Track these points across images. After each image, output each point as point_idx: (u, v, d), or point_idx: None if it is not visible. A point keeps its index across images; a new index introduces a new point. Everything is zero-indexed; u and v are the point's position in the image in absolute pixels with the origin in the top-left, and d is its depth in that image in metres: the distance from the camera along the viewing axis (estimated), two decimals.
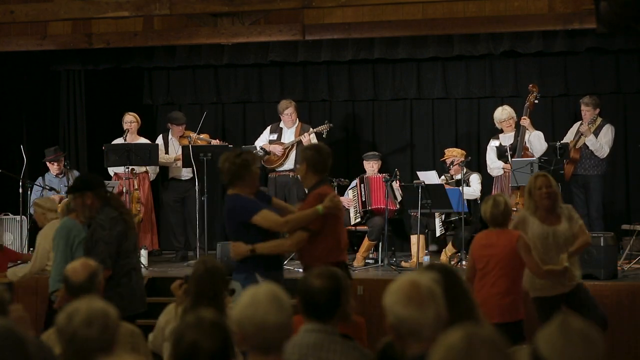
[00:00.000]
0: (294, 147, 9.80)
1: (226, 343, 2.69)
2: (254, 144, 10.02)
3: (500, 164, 9.07)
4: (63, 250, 5.85)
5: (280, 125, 9.94)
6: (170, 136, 10.13)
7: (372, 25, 8.53)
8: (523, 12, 8.22)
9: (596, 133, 9.33)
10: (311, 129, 9.79)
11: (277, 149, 9.74)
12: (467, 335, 2.23)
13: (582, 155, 9.36)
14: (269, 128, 10.04)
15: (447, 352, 2.22)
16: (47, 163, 9.90)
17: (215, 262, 4.60)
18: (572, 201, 9.57)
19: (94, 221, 5.65)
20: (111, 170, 9.97)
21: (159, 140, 10.17)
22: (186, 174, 9.88)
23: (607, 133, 9.35)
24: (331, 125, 9.94)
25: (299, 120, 9.98)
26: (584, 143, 9.34)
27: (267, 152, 9.73)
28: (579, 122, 9.55)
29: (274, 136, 9.88)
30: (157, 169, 10.00)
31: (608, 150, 9.34)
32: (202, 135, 10.06)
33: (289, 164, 9.80)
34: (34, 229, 9.82)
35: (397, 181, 9.40)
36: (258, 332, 2.86)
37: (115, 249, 5.58)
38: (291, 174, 9.78)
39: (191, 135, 9.96)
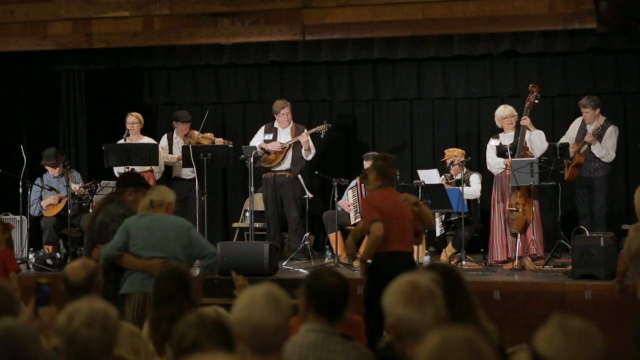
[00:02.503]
0: (291, 148, 9.80)
1: (228, 343, 2.69)
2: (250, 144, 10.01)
3: (501, 160, 9.06)
4: None
5: (275, 126, 9.92)
6: (175, 135, 10.12)
7: (372, 25, 8.53)
8: (523, 12, 8.21)
9: (600, 134, 9.27)
10: (305, 130, 9.79)
11: (275, 146, 9.74)
12: (443, 337, 2.24)
13: (587, 158, 9.30)
14: (263, 128, 10.02)
15: (425, 355, 2.23)
16: (47, 167, 9.87)
17: (174, 266, 4.60)
18: (574, 201, 9.58)
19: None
20: (116, 171, 9.95)
21: (164, 139, 10.17)
22: (190, 173, 9.84)
23: (612, 136, 9.29)
24: (329, 125, 9.94)
25: (293, 121, 9.97)
26: (590, 149, 9.30)
27: (267, 152, 9.73)
28: (579, 119, 9.51)
29: (269, 136, 9.87)
30: (162, 167, 10.00)
31: (614, 155, 9.28)
32: (206, 134, 10.05)
33: (286, 164, 9.79)
34: (34, 229, 9.86)
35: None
36: (254, 333, 2.85)
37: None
38: (287, 174, 9.77)
39: (194, 134, 9.95)
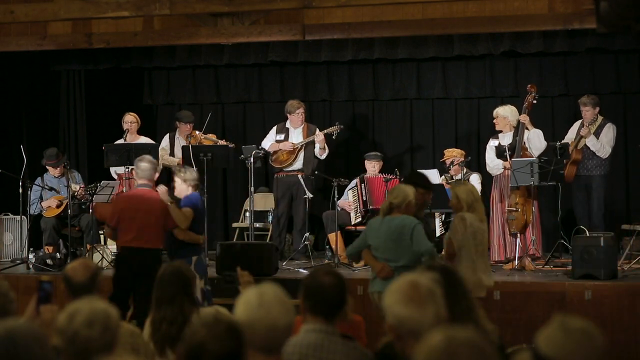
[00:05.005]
0: (303, 148, 9.81)
1: (237, 349, 2.65)
2: (256, 143, 10.01)
3: (500, 162, 9.07)
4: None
5: (287, 125, 9.94)
6: (177, 135, 10.12)
7: (372, 25, 8.53)
8: (523, 12, 8.21)
9: (597, 132, 9.29)
10: (317, 131, 9.80)
11: (287, 146, 9.76)
12: (448, 337, 2.24)
13: (584, 156, 9.31)
14: (275, 128, 10.03)
15: (428, 354, 2.22)
16: (48, 167, 9.87)
17: (176, 267, 4.59)
18: (572, 202, 9.58)
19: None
20: (113, 171, 9.95)
21: (165, 139, 10.16)
22: None
23: (609, 132, 9.31)
24: (342, 127, 9.95)
25: (305, 121, 9.99)
26: (585, 144, 9.31)
27: (267, 152, 9.73)
28: (579, 121, 9.53)
29: (281, 136, 9.88)
30: (160, 167, 9.99)
31: (610, 150, 9.30)
32: (208, 135, 10.04)
33: (298, 164, 9.81)
34: (34, 229, 9.85)
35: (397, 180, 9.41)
36: (268, 333, 2.87)
37: None
38: (299, 174, 9.78)
39: (196, 134, 9.94)
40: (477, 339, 2.25)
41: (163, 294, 4.44)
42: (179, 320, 4.29)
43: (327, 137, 9.83)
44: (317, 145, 9.81)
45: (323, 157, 9.95)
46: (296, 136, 9.88)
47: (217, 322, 2.67)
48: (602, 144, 9.24)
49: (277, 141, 9.85)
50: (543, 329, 2.36)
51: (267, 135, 10.04)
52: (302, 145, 9.81)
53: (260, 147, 9.74)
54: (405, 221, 6.07)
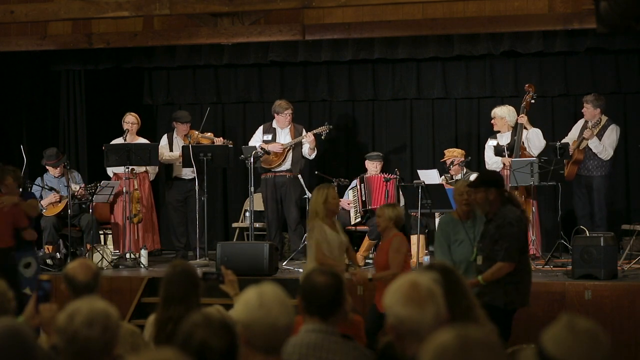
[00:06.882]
0: (292, 148, 9.80)
1: (234, 343, 2.68)
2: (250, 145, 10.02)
3: (499, 159, 9.08)
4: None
5: (274, 126, 9.92)
6: (175, 135, 10.13)
7: (372, 25, 8.53)
8: (523, 12, 8.21)
9: (601, 134, 9.27)
10: (305, 132, 9.79)
11: (276, 147, 9.75)
12: (460, 336, 2.22)
13: (586, 156, 9.30)
14: (261, 128, 10.02)
15: (441, 353, 2.21)
16: (48, 167, 9.87)
17: (185, 266, 4.57)
18: (572, 201, 9.57)
19: (499, 218, 5.93)
20: (110, 171, 9.96)
21: (164, 139, 10.16)
22: (190, 173, 9.83)
23: (612, 134, 9.29)
24: (330, 127, 9.94)
25: (292, 121, 9.98)
26: (588, 145, 9.30)
27: (267, 152, 9.73)
28: (582, 120, 9.52)
29: (268, 137, 9.87)
30: (157, 168, 10.00)
31: (612, 152, 9.28)
32: (206, 134, 10.05)
33: (287, 164, 9.80)
34: (34, 229, 9.82)
35: (397, 180, 9.41)
36: (268, 333, 2.87)
37: (520, 245, 5.96)
38: (288, 174, 9.78)
39: (194, 133, 9.95)
40: (490, 338, 2.25)
41: (173, 293, 4.39)
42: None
43: (317, 137, 9.83)
44: (306, 146, 9.80)
45: (312, 157, 9.94)
46: (284, 137, 9.86)
47: (210, 319, 2.68)
48: (605, 146, 9.22)
49: (265, 141, 9.83)
50: (549, 328, 2.35)
51: (254, 136, 10.03)
52: (291, 146, 9.80)
53: (260, 147, 9.73)
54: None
